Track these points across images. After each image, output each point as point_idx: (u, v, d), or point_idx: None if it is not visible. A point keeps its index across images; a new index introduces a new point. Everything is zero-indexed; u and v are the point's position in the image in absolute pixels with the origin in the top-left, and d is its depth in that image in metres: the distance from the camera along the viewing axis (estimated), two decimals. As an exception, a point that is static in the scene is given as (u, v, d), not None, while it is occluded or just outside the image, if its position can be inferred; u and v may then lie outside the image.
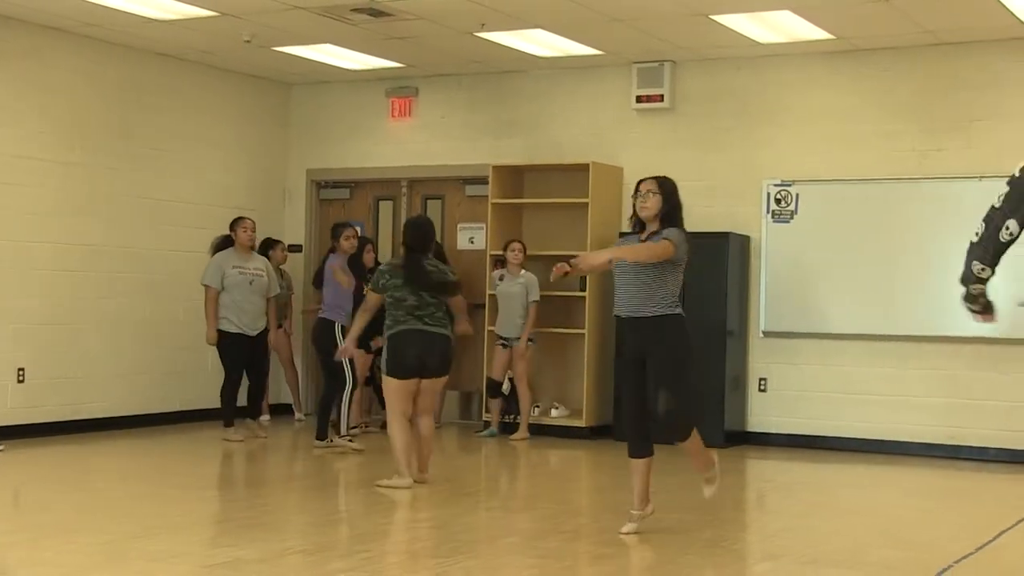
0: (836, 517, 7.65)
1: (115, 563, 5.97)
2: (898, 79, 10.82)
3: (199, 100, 12.29)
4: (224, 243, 10.80)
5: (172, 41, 11.27)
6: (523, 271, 11.23)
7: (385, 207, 13.09)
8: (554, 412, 11.60)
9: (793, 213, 11.02)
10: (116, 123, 11.43)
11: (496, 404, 11.45)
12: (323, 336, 10.11)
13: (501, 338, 11.28)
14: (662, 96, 11.50)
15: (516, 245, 11.26)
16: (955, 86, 10.60)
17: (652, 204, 6.70)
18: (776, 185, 11.11)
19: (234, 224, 10.82)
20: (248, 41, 10.97)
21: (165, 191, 11.89)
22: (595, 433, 11.33)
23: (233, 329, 10.55)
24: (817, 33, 10.33)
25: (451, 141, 12.56)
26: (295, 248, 12.99)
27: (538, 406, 11.59)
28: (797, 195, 10.99)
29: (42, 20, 10.56)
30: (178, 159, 12.04)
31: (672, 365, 6.64)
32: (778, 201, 11.11)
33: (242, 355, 10.64)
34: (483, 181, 12.00)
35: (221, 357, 10.72)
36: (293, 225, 13.20)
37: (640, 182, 6.84)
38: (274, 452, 10.34)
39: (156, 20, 10.44)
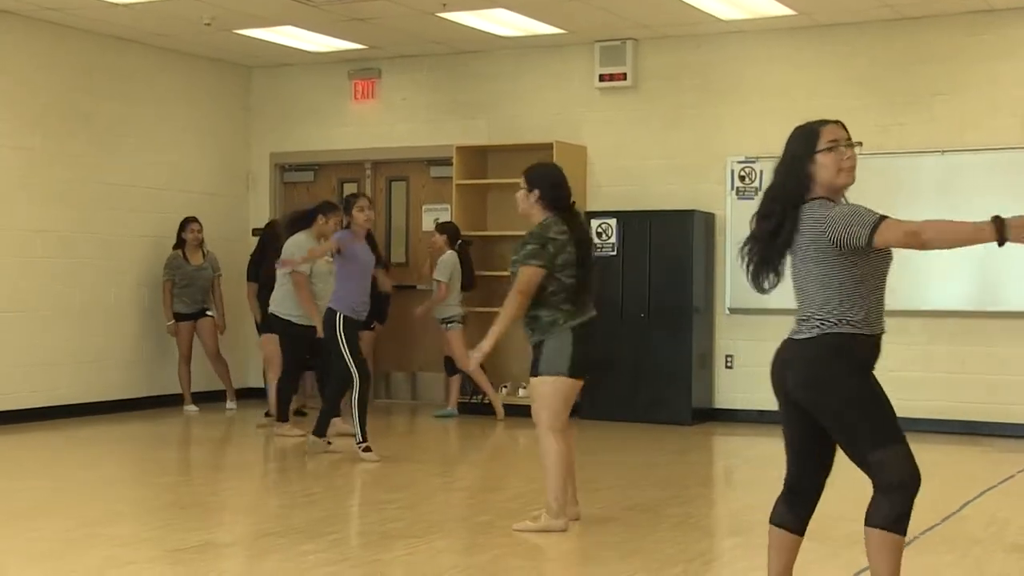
0: (803, 491, 7.68)
1: (82, 548, 5.94)
2: (859, 54, 10.86)
3: (160, 85, 12.19)
4: (300, 223, 9.89)
5: (132, 25, 11.17)
6: (446, 253, 11.25)
7: (349, 189, 12.99)
8: (522, 392, 11.60)
9: (757, 190, 11.01)
10: (76, 108, 11.32)
11: (455, 382, 11.48)
12: (326, 328, 8.81)
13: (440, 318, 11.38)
14: (625, 74, 11.51)
15: (436, 238, 11.31)
16: (916, 60, 10.65)
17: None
18: (740, 162, 11.14)
19: (319, 210, 9.89)
20: (208, 24, 10.89)
21: (127, 177, 11.79)
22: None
23: (304, 321, 9.69)
24: (778, 8, 10.35)
25: (415, 122, 12.52)
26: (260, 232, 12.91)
27: (506, 386, 11.60)
28: (761, 172, 11.00)
29: (-1, 5, 10.47)
30: (139, 144, 11.94)
31: None
32: (742, 178, 11.14)
33: (303, 349, 9.85)
34: (447, 162, 11.98)
35: (285, 350, 10.01)
36: (257, 209, 13.11)
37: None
38: (242, 437, 10.29)
39: (115, 4, 10.34)
